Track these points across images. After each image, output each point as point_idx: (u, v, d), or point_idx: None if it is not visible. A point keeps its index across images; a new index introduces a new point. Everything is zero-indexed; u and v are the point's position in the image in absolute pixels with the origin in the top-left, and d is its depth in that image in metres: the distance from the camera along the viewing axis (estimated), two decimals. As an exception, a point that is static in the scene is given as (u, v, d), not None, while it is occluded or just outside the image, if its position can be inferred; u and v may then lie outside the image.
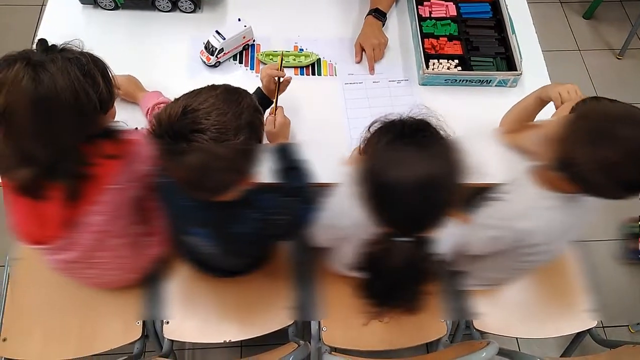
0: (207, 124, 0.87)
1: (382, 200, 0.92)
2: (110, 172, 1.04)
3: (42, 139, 0.94)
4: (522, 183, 1.13)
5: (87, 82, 0.93)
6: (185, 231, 1.17)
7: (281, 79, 1.28)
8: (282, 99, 1.31)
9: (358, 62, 1.55)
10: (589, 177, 0.96)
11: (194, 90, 0.94)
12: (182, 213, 1.12)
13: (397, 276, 1.01)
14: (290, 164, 1.23)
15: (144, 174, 1.09)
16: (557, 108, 1.20)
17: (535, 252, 1.16)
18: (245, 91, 1.00)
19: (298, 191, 1.18)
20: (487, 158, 1.32)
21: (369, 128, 0.98)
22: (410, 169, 0.87)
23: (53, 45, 0.94)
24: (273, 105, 1.28)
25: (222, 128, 0.88)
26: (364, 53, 1.55)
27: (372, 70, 1.53)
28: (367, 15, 1.59)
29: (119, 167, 1.05)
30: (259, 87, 1.30)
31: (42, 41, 0.93)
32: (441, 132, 0.93)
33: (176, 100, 0.92)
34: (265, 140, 1.30)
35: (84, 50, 0.97)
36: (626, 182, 0.94)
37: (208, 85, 0.96)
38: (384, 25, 1.60)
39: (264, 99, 1.29)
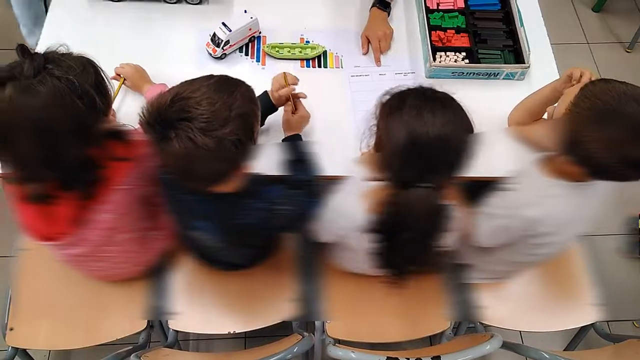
0: (195, 113, 0.86)
1: (411, 154, 0.95)
2: (120, 173, 1.04)
3: (45, 162, 0.93)
4: (530, 173, 1.13)
5: (82, 102, 0.90)
6: (189, 225, 1.17)
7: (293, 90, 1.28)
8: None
9: (365, 54, 1.54)
10: (596, 158, 0.95)
11: (189, 79, 0.94)
12: (185, 207, 1.12)
13: (418, 227, 1.03)
14: (298, 156, 1.23)
15: (152, 173, 1.09)
16: (575, 78, 1.20)
17: (543, 243, 1.16)
18: (242, 82, 0.98)
19: (304, 184, 1.18)
20: (496, 151, 1.32)
21: (382, 98, 1.04)
22: (436, 122, 0.93)
23: (37, 54, 0.88)
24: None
25: (210, 118, 0.87)
26: (370, 45, 1.55)
27: (378, 61, 1.53)
28: (372, 7, 1.59)
29: (128, 169, 1.05)
30: (265, 92, 1.29)
31: (24, 50, 0.88)
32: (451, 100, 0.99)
33: (170, 89, 0.92)
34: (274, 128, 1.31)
35: (70, 53, 0.93)
36: (634, 161, 0.94)
37: (205, 75, 0.95)
38: (389, 15, 1.59)
39: (269, 104, 1.28)
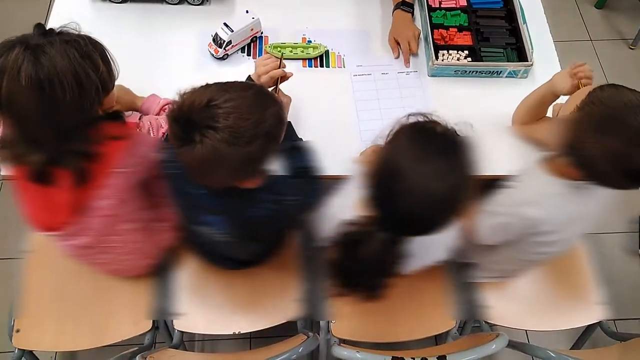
0: (223, 125, 0.87)
1: (389, 199, 0.92)
2: (116, 153, 1.05)
3: (47, 123, 0.95)
4: (532, 171, 1.13)
5: (86, 64, 0.94)
6: (196, 220, 1.17)
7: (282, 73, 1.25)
8: (290, 92, 1.30)
9: (396, 58, 1.54)
10: (594, 164, 0.96)
11: (227, 82, 0.94)
12: (193, 202, 1.12)
13: (363, 263, 1.03)
14: (293, 144, 1.23)
15: (149, 158, 1.10)
16: (571, 73, 1.21)
17: (544, 242, 1.16)
18: (276, 99, 1.00)
19: (304, 171, 1.18)
20: (499, 151, 1.31)
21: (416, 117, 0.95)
22: (428, 184, 0.87)
23: (51, 29, 0.94)
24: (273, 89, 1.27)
25: (236, 133, 0.88)
26: (399, 47, 1.54)
27: (407, 62, 1.52)
28: (395, 9, 1.58)
29: (123, 149, 1.06)
30: (249, 76, 1.26)
31: (39, 25, 0.94)
32: (469, 154, 0.91)
33: (206, 87, 0.92)
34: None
35: (82, 33, 0.98)
36: (631, 172, 0.94)
37: (243, 82, 0.96)
38: (413, 16, 1.59)
39: None
